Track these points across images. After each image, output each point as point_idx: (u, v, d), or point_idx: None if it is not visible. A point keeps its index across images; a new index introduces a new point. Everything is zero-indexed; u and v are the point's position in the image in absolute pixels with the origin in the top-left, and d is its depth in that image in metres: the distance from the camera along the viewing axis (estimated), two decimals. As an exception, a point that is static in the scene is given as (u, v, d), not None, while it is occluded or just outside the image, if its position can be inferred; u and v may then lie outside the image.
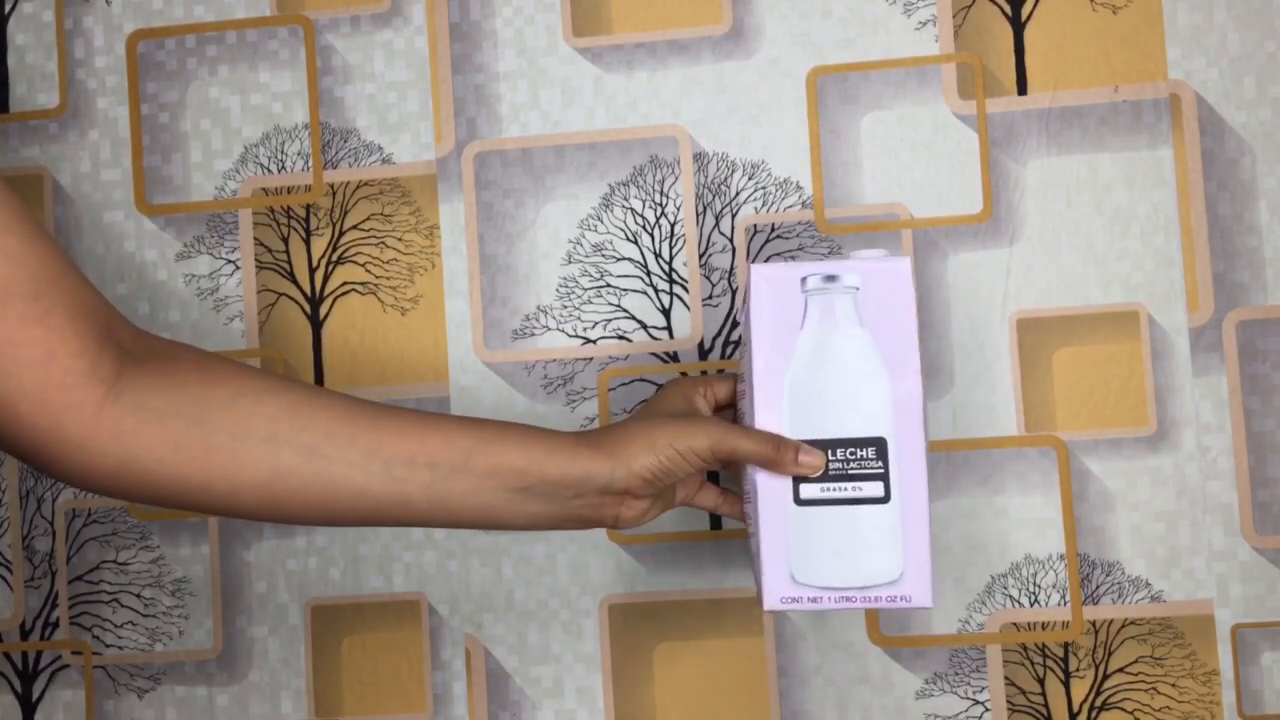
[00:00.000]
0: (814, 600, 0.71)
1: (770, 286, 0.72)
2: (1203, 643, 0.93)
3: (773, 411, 0.71)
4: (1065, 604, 0.94)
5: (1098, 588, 0.94)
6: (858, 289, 0.72)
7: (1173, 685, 0.94)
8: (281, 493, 0.67)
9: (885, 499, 0.71)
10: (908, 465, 0.71)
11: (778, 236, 0.97)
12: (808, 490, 0.71)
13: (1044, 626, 0.94)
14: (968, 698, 0.95)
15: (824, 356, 0.72)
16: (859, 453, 0.71)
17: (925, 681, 0.95)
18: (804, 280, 0.72)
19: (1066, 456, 0.95)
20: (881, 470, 0.71)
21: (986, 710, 0.95)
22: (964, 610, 0.95)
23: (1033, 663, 0.95)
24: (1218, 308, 0.94)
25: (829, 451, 0.71)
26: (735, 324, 0.97)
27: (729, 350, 0.97)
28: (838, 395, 0.71)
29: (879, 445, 0.71)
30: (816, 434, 0.71)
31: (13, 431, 0.63)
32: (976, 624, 0.95)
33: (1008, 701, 0.94)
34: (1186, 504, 0.94)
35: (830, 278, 0.72)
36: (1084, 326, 0.95)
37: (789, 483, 0.71)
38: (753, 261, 0.72)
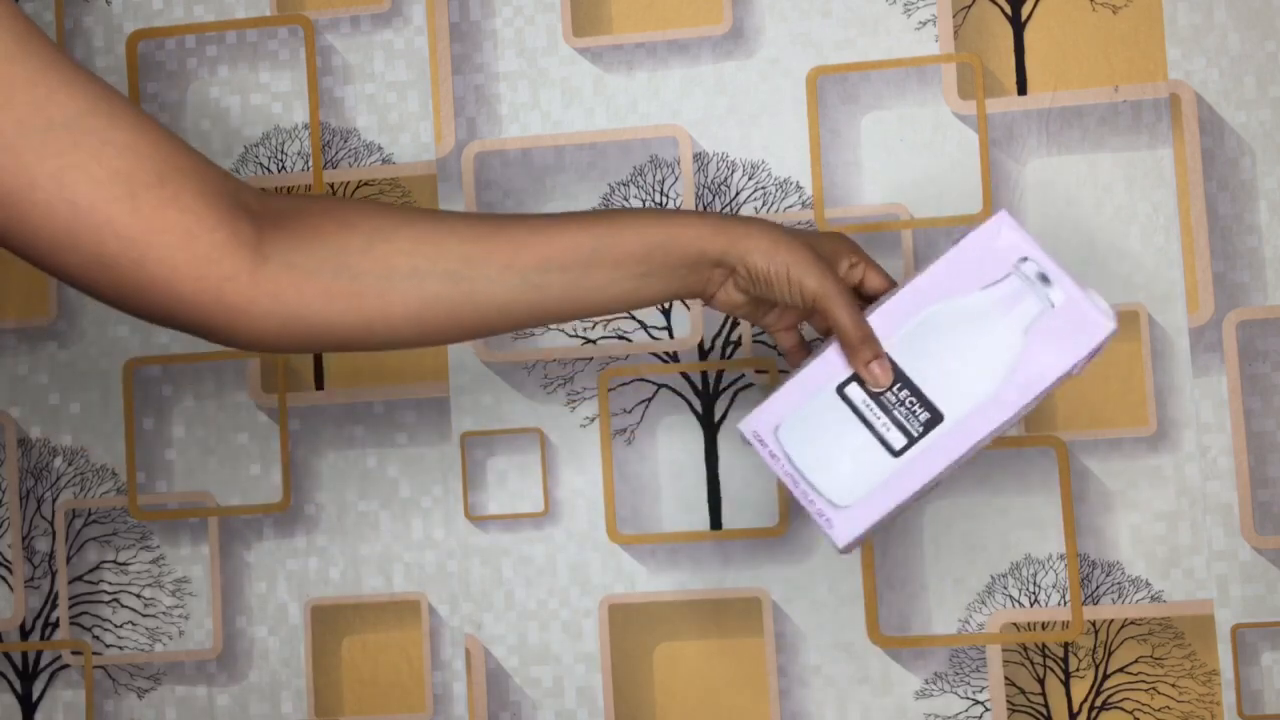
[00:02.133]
0: (774, 458, 0.73)
1: (999, 235, 0.72)
2: (1203, 643, 0.93)
3: (894, 320, 0.72)
4: (1065, 604, 0.94)
5: (1098, 588, 0.94)
6: (1054, 307, 0.71)
7: (1173, 685, 0.94)
8: (435, 319, 0.70)
9: (896, 454, 0.71)
10: (936, 453, 0.71)
11: (778, 236, 0.97)
12: (853, 392, 0.72)
13: (1044, 626, 0.94)
14: (968, 698, 0.95)
15: (974, 326, 0.72)
16: (916, 407, 0.71)
17: (925, 681, 0.95)
18: (1024, 259, 0.72)
19: (1066, 456, 0.95)
20: (917, 434, 0.71)
21: (986, 710, 0.95)
22: (964, 610, 0.95)
23: (1033, 663, 0.95)
24: (1218, 308, 0.94)
25: (896, 383, 0.71)
26: (735, 323, 0.97)
27: (729, 350, 0.97)
28: (952, 360, 0.71)
29: (935, 418, 0.71)
30: (904, 365, 0.71)
31: (181, 310, 0.65)
32: (976, 624, 0.95)
33: (1008, 701, 0.94)
34: (1186, 504, 0.94)
35: (1045, 278, 0.71)
36: (1084, 326, 0.95)
37: (845, 373, 0.72)
38: (1008, 211, 0.73)
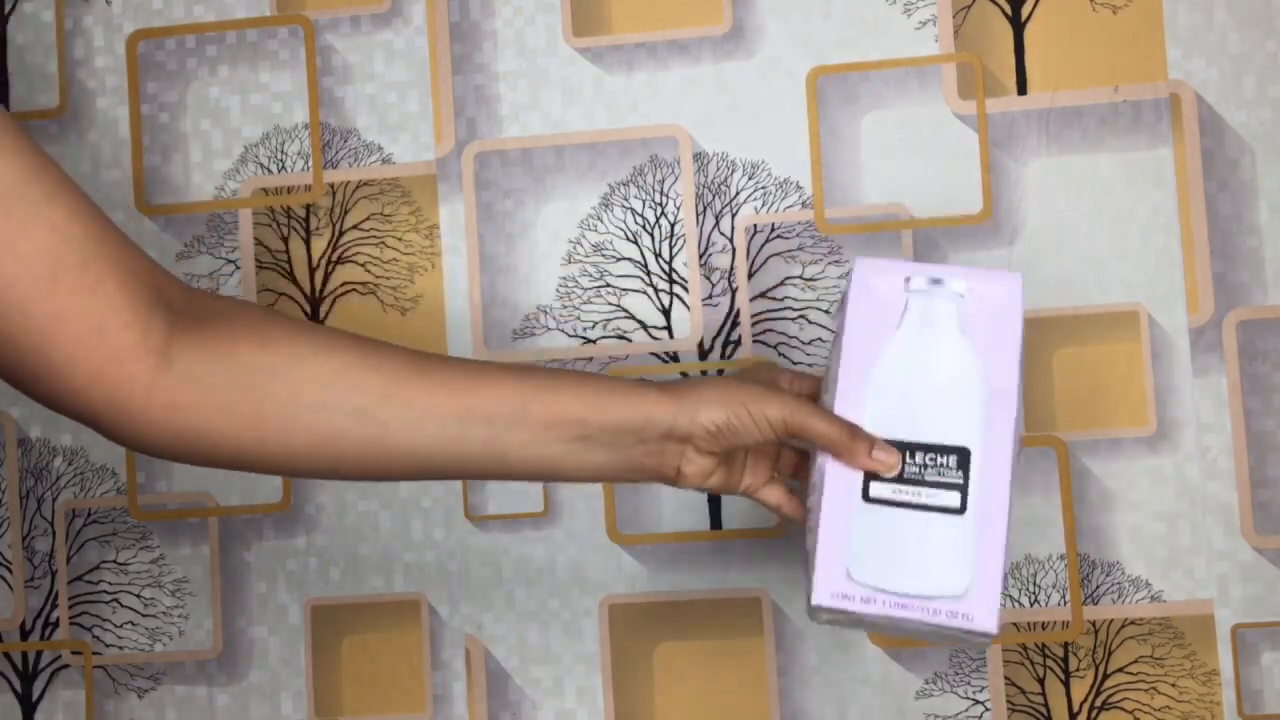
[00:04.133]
0: (866, 600, 0.67)
1: (872, 281, 0.70)
2: (1203, 643, 0.93)
3: (854, 404, 0.69)
4: (1065, 604, 0.94)
5: (1098, 588, 0.94)
6: (962, 296, 0.70)
7: (1173, 685, 0.94)
8: (336, 456, 0.66)
9: (960, 510, 0.67)
10: (990, 481, 0.68)
11: (778, 236, 0.97)
12: (878, 489, 0.68)
13: (1044, 626, 0.94)
14: (968, 698, 0.95)
15: (917, 358, 0.69)
16: (939, 460, 0.68)
17: (925, 681, 0.95)
18: (907, 280, 0.70)
19: (1066, 456, 0.95)
20: (960, 481, 0.68)
21: (986, 710, 0.95)
22: (964, 610, 0.95)
23: (1033, 663, 0.95)
24: (1218, 308, 0.94)
25: (907, 454, 0.68)
26: (735, 323, 0.97)
27: (729, 350, 0.98)
28: (926, 399, 0.69)
29: (962, 455, 0.68)
30: (897, 435, 0.68)
31: (69, 403, 0.63)
32: (976, 624, 0.95)
33: (1008, 701, 0.94)
34: (1186, 504, 0.94)
35: (936, 281, 0.70)
36: (1084, 326, 0.95)
37: (859, 478, 0.68)
38: (857, 258, 0.71)
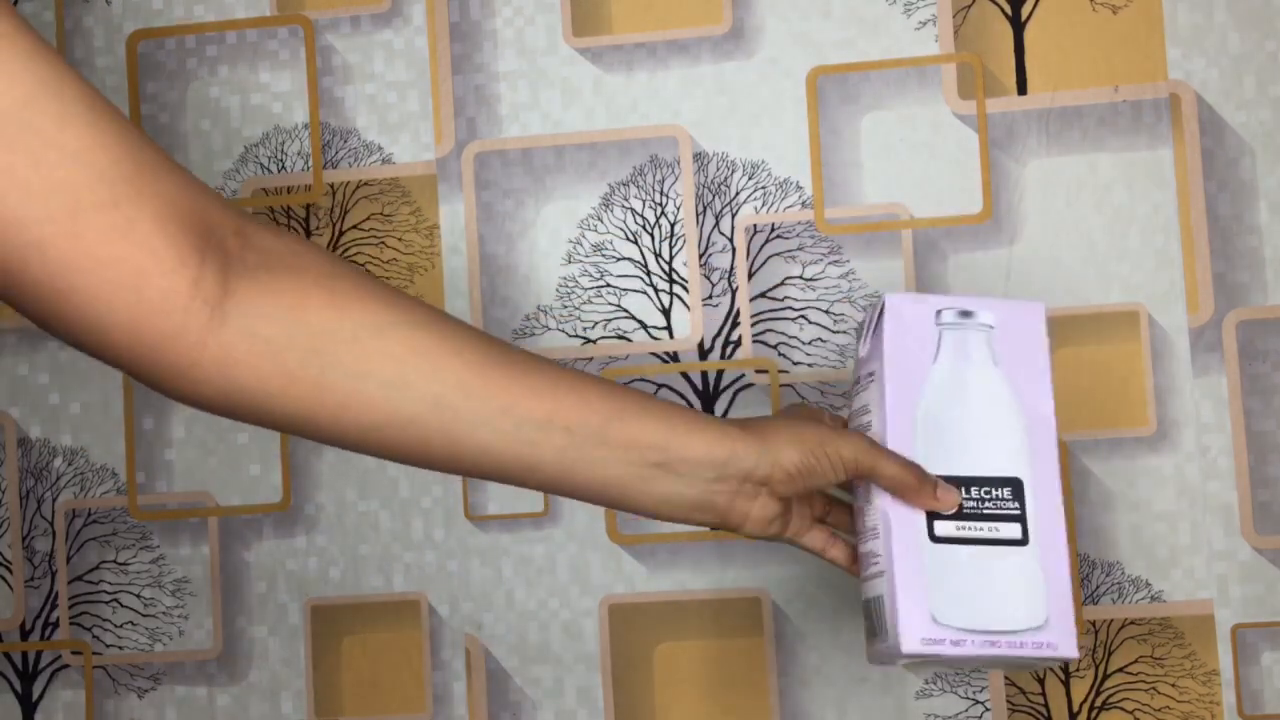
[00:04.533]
0: (956, 644, 0.66)
1: (905, 317, 0.70)
2: (1203, 643, 0.93)
3: (904, 442, 0.68)
4: (1065, 604, 0.94)
5: (1098, 588, 0.94)
6: (993, 328, 0.71)
7: (1173, 685, 0.94)
8: (398, 440, 0.61)
9: (1024, 542, 0.68)
10: (1044, 508, 0.69)
11: (778, 236, 0.97)
12: (943, 528, 0.68)
13: (1044, 626, 0.94)
14: (968, 698, 0.95)
15: (959, 392, 0.70)
16: (994, 492, 0.69)
17: (925, 681, 0.95)
18: (939, 314, 0.70)
19: (1066, 456, 0.95)
20: (1018, 511, 0.69)
21: (986, 710, 0.95)
22: (964, 610, 0.95)
23: (1033, 663, 0.95)
24: (1218, 308, 0.94)
25: (963, 489, 0.68)
26: (735, 323, 0.97)
27: (729, 350, 0.97)
28: (972, 432, 0.70)
29: (1015, 486, 0.69)
30: (948, 470, 0.68)
31: (107, 356, 0.56)
32: (976, 624, 0.95)
33: (1008, 701, 0.94)
34: (1186, 504, 0.94)
35: (966, 313, 0.70)
36: (1084, 326, 0.95)
37: (922, 519, 0.68)
38: (886, 294, 0.72)
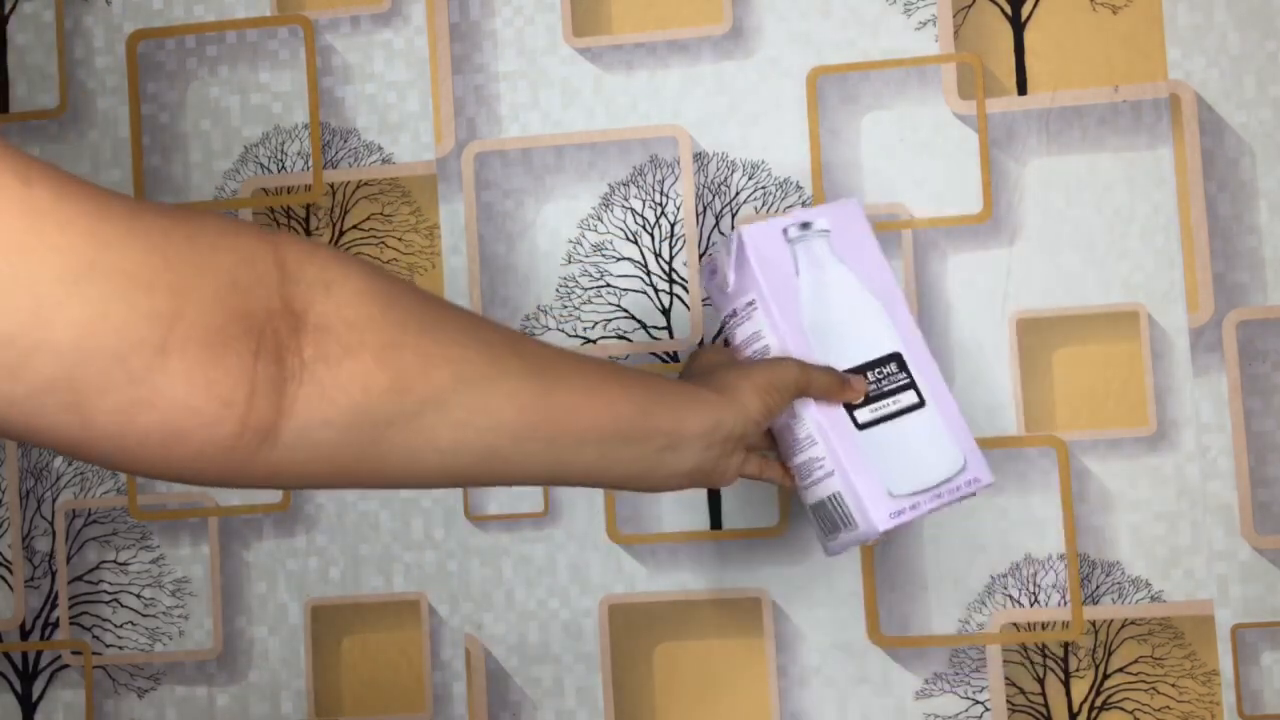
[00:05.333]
0: (914, 508, 0.76)
1: (761, 242, 0.78)
2: (1203, 643, 0.93)
3: (805, 352, 0.76)
4: (1065, 604, 0.94)
5: (1098, 588, 0.94)
6: (829, 231, 0.79)
7: (1173, 685, 0.94)
8: (442, 483, 0.61)
9: (922, 404, 0.77)
10: (925, 371, 0.78)
11: (778, 236, 0.97)
12: (862, 415, 0.76)
13: (1044, 626, 0.94)
14: (968, 698, 0.95)
15: (825, 294, 0.78)
16: (885, 370, 0.77)
17: (925, 681, 0.95)
18: (785, 231, 0.78)
19: (1066, 456, 0.95)
20: (908, 380, 0.78)
21: (986, 710, 0.95)
22: (964, 610, 0.95)
23: (1033, 663, 0.95)
24: (1218, 308, 0.94)
25: (863, 375, 0.77)
26: (735, 324, 0.97)
27: (729, 350, 0.97)
28: (849, 326, 0.78)
29: (898, 359, 0.78)
30: (845, 363, 0.77)
31: (132, 462, 0.51)
32: (976, 624, 0.95)
33: (1008, 701, 0.94)
34: (1186, 504, 0.94)
35: (805, 225, 0.78)
36: (1084, 326, 0.95)
37: (844, 414, 0.76)
38: (739, 227, 0.79)
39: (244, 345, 0.50)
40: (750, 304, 0.79)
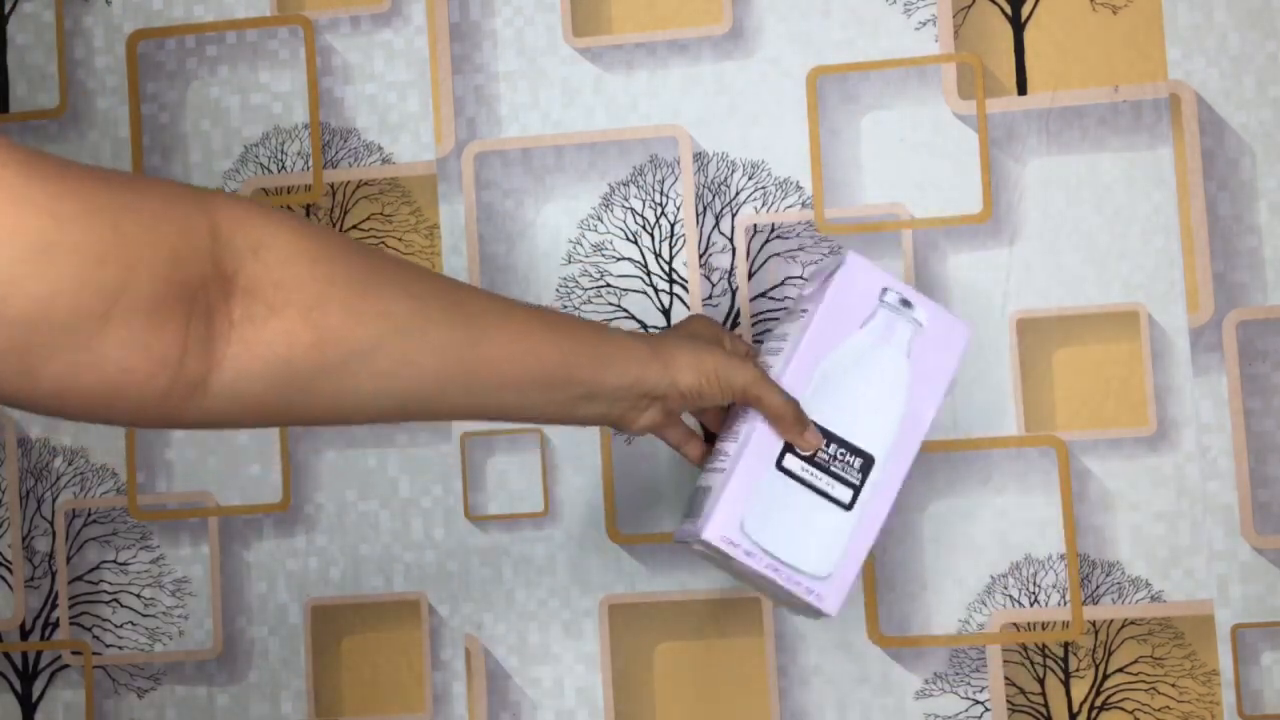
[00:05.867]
0: (748, 554, 0.75)
1: (856, 278, 0.78)
2: (1203, 643, 0.93)
3: (800, 380, 0.76)
4: (1065, 604, 0.94)
5: (1098, 588, 0.94)
6: (921, 326, 0.78)
7: (1173, 685, 0.94)
8: (368, 422, 0.66)
9: (848, 507, 0.76)
10: (881, 492, 0.77)
11: (778, 236, 0.97)
12: (791, 462, 0.76)
13: (1044, 626, 0.94)
14: (968, 698, 0.95)
15: (866, 364, 0.77)
16: (848, 457, 0.77)
17: (925, 681, 0.95)
18: (884, 290, 0.78)
19: (1066, 456, 0.95)
20: (858, 482, 0.77)
21: (986, 710, 0.95)
22: (964, 610, 0.95)
23: (1033, 663, 0.95)
24: (1218, 308, 0.94)
25: (825, 442, 0.76)
26: (736, 323, 0.97)
27: (729, 350, 0.97)
28: (858, 402, 0.77)
29: (867, 461, 0.77)
30: (821, 420, 0.76)
31: (73, 399, 0.55)
32: (976, 624, 0.95)
33: (1008, 701, 0.94)
34: (1186, 504, 0.94)
35: (906, 303, 0.78)
36: (1084, 326, 0.95)
37: (780, 447, 0.76)
38: (850, 251, 0.79)
39: (179, 311, 0.54)
40: (804, 312, 0.79)
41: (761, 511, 0.76)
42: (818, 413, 0.76)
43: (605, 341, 0.72)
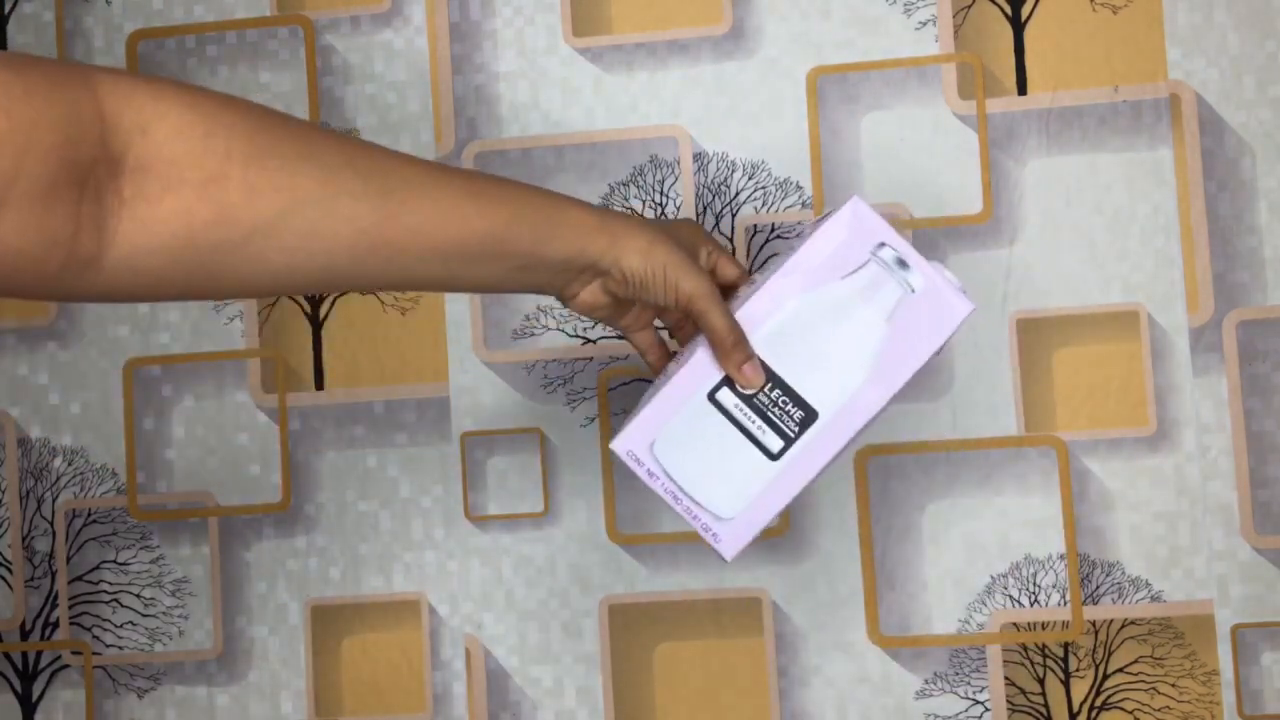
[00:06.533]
0: (651, 476, 0.70)
1: (856, 223, 0.71)
2: (1203, 643, 0.93)
3: (762, 312, 0.70)
4: (1065, 604, 0.94)
5: (1098, 588, 0.94)
6: (914, 292, 0.70)
7: (1173, 685, 0.94)
8: (281, 293, 0.65)
9: (774, 457, 0.70)
10: (815, 452, 0.70)
11: (778, 236, 0.97)
12: (724, 396, 0.70)
13: (1044, 626, 0.94)
14: (968, 698, 0.95)
15: (839, 317, 0.70)
16: (789, 406, 0.70)
17: (925, 681, 0.95)
18: (880, 244, 0.71)
19: (1066, 456, 0.95)
20: (794, 434, 0.70)
21: (986, 710, 0.95)
22: (964, 610, 0.95)
23: (1033, 663, 0.95)
24: (1218, 308, 0.94)
25: (769, 384, 0.70)
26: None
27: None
28: (819, 354, 0.70)
29: (809, 416, 0.70)
30: (772, 363, 0.70)
31: None
32: (976, 624, 0.95)
33: (1008, 701, 0.94)
34: (1186, 504, 0.94)
35: (902, 263, 0.70)
36: (1084, 326, 0.95)
37: (718, 378, 0.70)
38: (857, 197, 0.72)
39: (70, 193, 0.55)
40: (792, 247, 0.73)
41: (679, 438, 0.70)
42: (771, 354, 0.70)
43: (550, 210, 0.69)
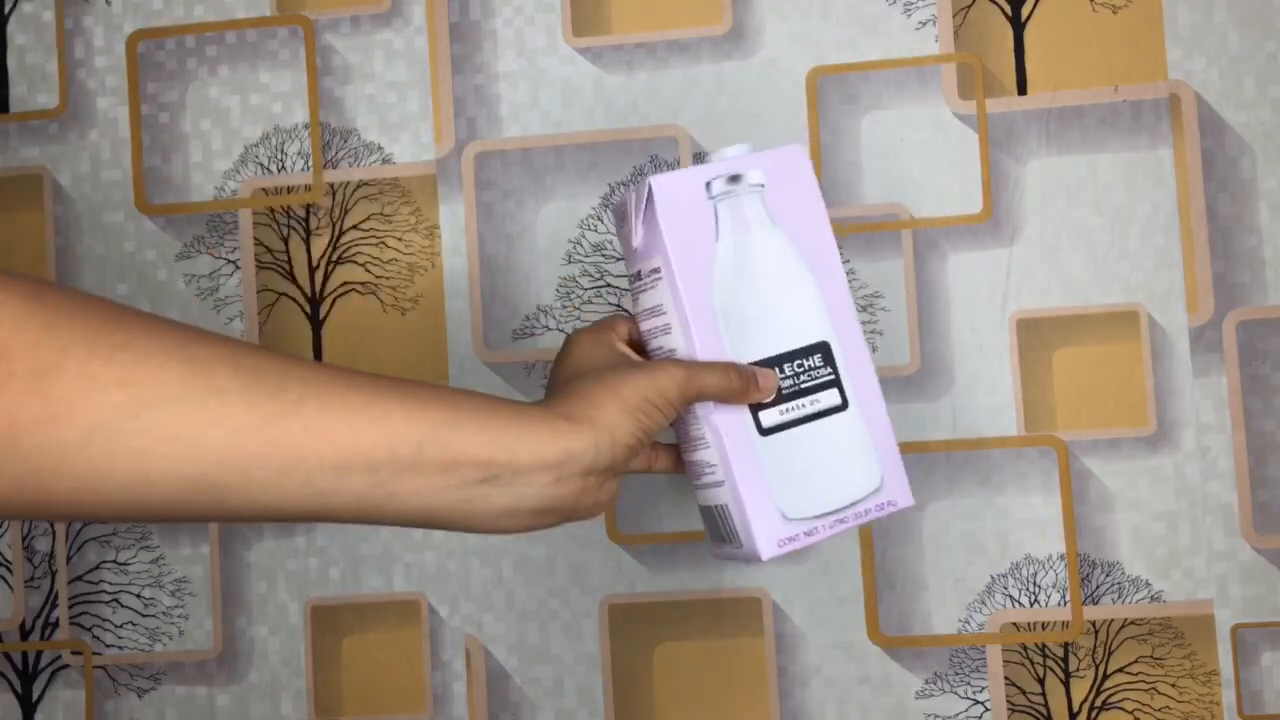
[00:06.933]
0: (809, 534, 0.66)
1: (676, 197, 0.65)
2: (1203, 643, 0.93)
3: (711, 338, 0.65)
4: (1065, 604, 0.94)
5: (1098, 588, 0.94)
6: (764, 186, 0.67)
7: (1173, 685, 0.94)
8: (157, 518, 0.53)
9: (844, 406, 0.66)
10: (854, 365, 0.67)
11: (778, 236, 0.97)
12: (768, 417, 0.65)
13: (1044, 626, 0.95)
14: (968, 698, 0.95)
15: (748, 266, 0.66)
16: (806, 363, 0.66)
17: (925, 681, 0.95)
18: (709, 185, 0.66)
19: (1066, 456, 0.95)
20: (833, 376, 0.66)
21: (986, 710, 0.95)
22: (964, 610, 0.95)
23: (1033, 663, 0.95)
24: (1218, 308, 0.94)
25: (777, 369, 0.66)
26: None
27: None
28: (771, 306, 0.66)
29: (824, 350, 0.66)
30: (758, 353, 0.66)
31: None
32: (976, 624, 0.95)
33: (1008, 701, 0.94)
34: (1186, 504, 0.94)
35: (735, 178, 0.66)
36: (1084, 326, 0.95)
37: (748, 416, 0.65)
38: (650, 176, 0.67)
39: None
40: (655, 272, 0.66)
41: (786, 485, 0.65)
42: (748, 350, 0.66)
43: (501, 409, 0.59)
